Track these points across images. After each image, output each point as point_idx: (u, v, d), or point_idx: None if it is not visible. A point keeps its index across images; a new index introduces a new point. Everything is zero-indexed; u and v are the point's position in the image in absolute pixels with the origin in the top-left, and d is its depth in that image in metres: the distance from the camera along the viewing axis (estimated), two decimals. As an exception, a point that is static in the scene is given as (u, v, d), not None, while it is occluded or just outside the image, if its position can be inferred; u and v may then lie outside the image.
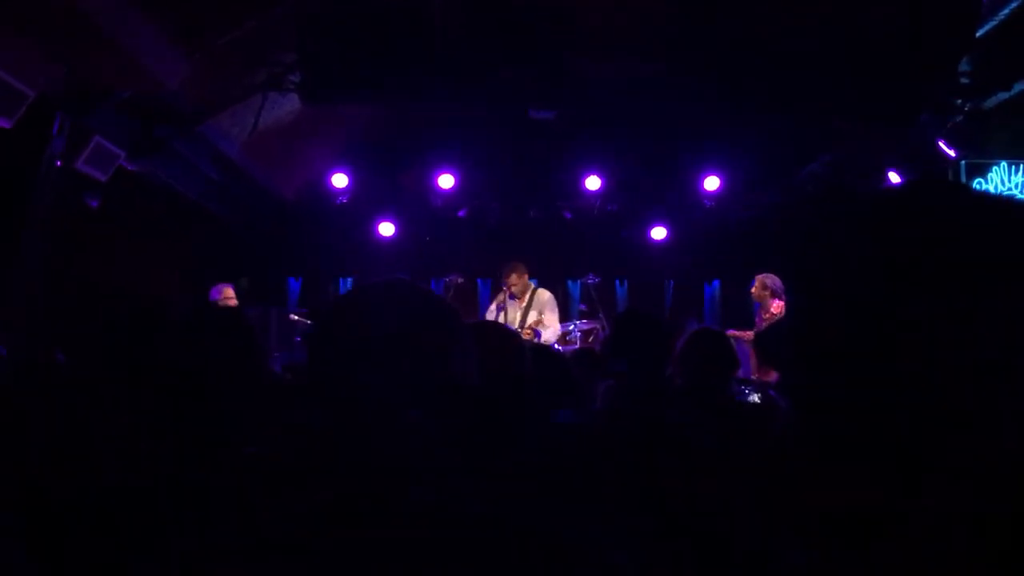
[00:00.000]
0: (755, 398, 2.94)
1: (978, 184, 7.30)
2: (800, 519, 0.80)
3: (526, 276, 7.99)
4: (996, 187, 7.22)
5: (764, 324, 7.04)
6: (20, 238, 5.45)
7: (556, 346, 7.42)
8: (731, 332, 6.34)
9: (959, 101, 6.86)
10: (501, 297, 8.14)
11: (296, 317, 8.59)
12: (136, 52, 5.10)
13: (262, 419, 1.36)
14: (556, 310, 8.03)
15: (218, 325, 1.46)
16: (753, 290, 7.30)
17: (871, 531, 0.73)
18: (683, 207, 10.08)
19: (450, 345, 1.14)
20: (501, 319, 8.15)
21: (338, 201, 9.48)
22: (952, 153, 7.29)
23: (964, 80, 6.74)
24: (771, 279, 7.06)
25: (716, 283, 11.49)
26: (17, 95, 5.00)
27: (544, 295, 8.00)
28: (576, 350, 5.51)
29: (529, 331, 7.63)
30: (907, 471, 0.72)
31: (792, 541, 0.79)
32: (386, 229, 9.98)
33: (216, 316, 1.51)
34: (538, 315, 7.80)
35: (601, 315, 8.32)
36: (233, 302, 7.73)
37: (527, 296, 7.95)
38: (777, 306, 6.92)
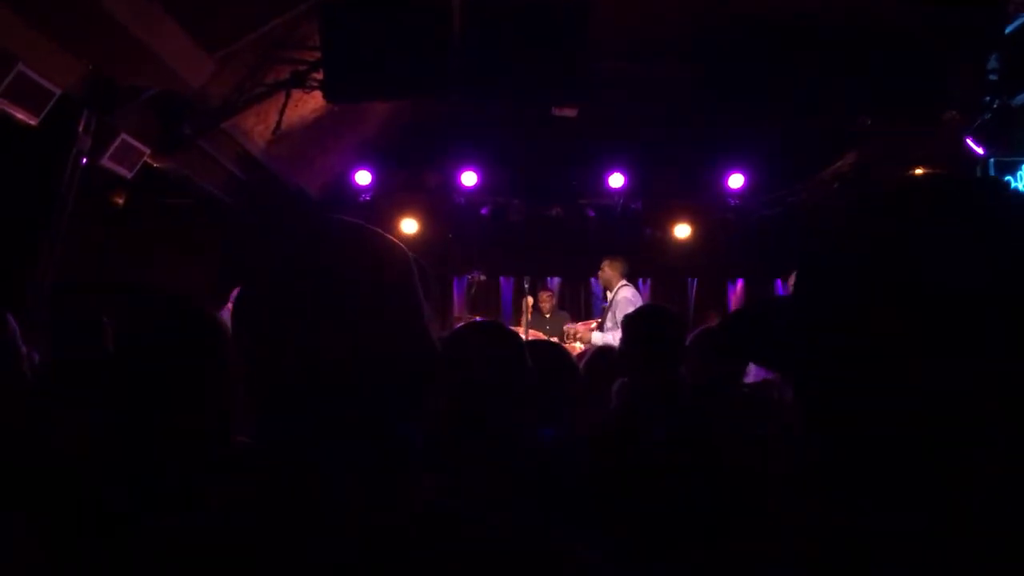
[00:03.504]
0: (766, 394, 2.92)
1: (1007, 181, 7.20)
2: (806, 526, 0.79)
3: (608, 270, 7.59)
4: (1025, 185, 7.11)
5: None
6: (46, 235, 5.52)
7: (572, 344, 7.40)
8: None
9: (987, 98, 6.77)
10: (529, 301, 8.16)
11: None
12: (161, 51, 5.14)
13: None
14: (628, 309, 7.22)
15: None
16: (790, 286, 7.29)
17: (879, 541, 0.72)
18: (707, 205, 10.05)
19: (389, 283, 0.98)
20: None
21: (361, 199, 9.52)
22: (980, 151, 7.20)
23: (992, 77, 6.66)
24: None
25: (740, 281, 11.45)
26: (43, 93, 5.07)
27: (619, 293, 7.39)
28: (594, 349, 5.49)
29: (582, 332, 7.54)
30: (914, 477, 0.71)
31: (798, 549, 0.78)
32: (409, 226, 9.99)
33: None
34: (614, 316, 7.26)
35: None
36: None
37: (612, 292, 7.53)
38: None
